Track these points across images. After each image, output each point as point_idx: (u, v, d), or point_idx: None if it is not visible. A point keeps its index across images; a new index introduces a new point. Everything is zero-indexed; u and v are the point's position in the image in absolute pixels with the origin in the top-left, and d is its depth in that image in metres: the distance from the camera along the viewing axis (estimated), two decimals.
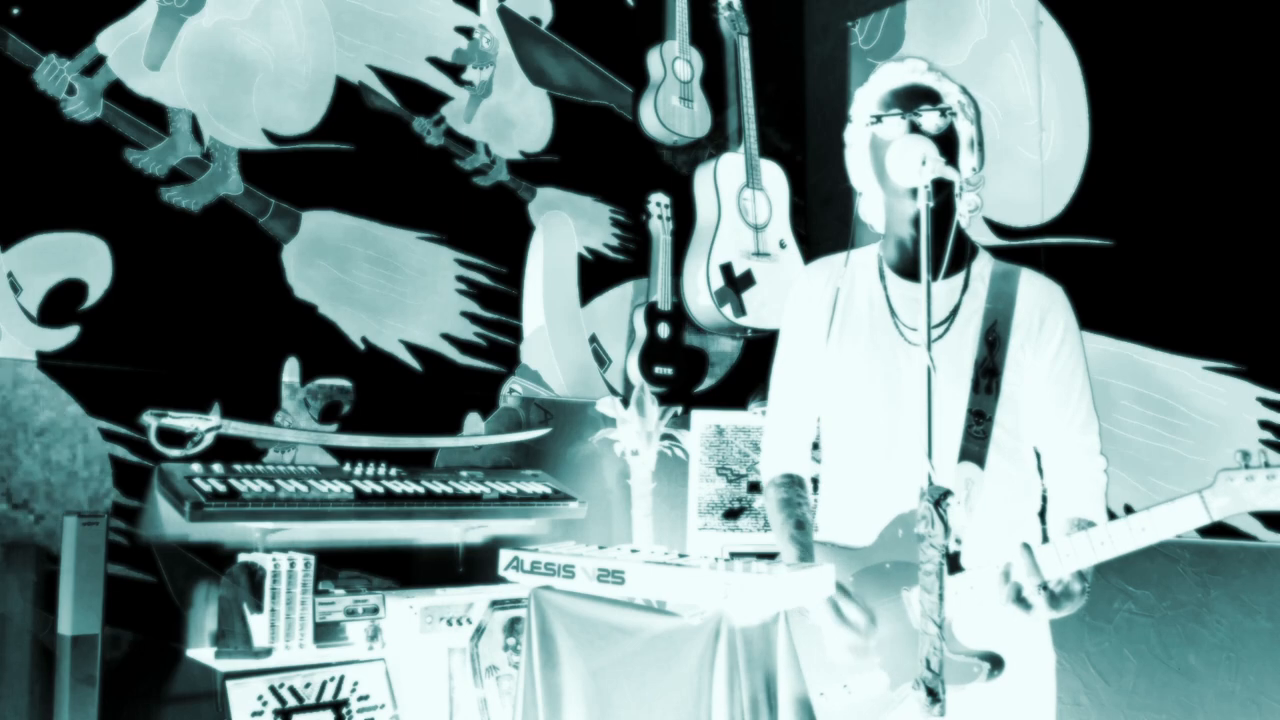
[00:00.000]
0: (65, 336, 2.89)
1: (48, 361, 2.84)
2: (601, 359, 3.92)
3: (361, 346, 3.39)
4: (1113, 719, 3.20)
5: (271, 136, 3.30)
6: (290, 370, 3.22)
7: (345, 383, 3.32)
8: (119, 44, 3.05)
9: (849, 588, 1.80)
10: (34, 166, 2.88)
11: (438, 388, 3.53)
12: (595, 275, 3.97)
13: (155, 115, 3.09)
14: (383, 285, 3.47)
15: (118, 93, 3.03)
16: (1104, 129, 3.37)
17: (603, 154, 4.00)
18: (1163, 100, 3.21)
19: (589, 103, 4.01)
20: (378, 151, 3.47)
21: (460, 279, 3.63)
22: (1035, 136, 3.52)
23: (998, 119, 3.61)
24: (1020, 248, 3.47)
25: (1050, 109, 3.50)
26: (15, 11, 2.79)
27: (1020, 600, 1.65)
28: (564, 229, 3.88)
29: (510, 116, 3.79)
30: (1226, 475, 1.54)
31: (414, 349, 3.50)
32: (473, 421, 3.59)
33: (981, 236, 3.44)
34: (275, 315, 3.23)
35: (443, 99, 3.64)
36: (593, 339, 3.92)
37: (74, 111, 2.95)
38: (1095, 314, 3.06)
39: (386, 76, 3.53)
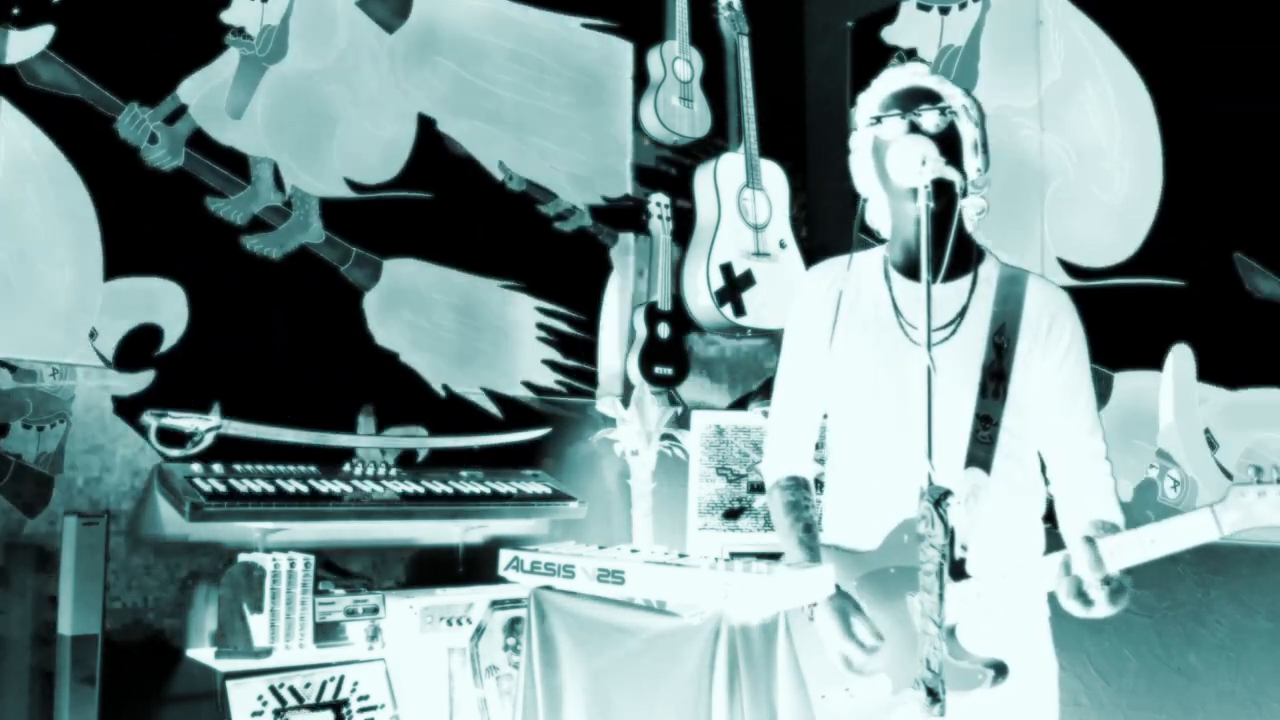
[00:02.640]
0: (140, 381, 2.91)
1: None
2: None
3: (442, 394, 3.43)
4: (1112, 719, 3.20)
5: (353, 185, 3.32)
6: (365, 424, 3.26)
7: (419, 428, 3.36)
8: (201, 92, 3.05)
9: (855, 594, 1.79)
10: (114, 214, 2.89)
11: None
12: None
13: (237, 164, 3.10)
14: (464, 333, 3.51)
15: (200, 141, 3.04)
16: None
17: None
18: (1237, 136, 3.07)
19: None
20: (458, 198, 3.51)
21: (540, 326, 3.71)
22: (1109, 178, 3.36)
23: (1071, 160, 3.46)
24: (1094, 288, 3.32)
25: (1125, 149, 3.34)
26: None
27: (1082, 595, 1.62)
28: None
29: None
30: (1238, 490, 1.47)
31: (494, 395, 3.56)
32: None
33: (1056, 277, 3.34)
34: (356, 362, 3.26)
35: None
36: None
37: (156, 160, 2.96)
38: None
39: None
